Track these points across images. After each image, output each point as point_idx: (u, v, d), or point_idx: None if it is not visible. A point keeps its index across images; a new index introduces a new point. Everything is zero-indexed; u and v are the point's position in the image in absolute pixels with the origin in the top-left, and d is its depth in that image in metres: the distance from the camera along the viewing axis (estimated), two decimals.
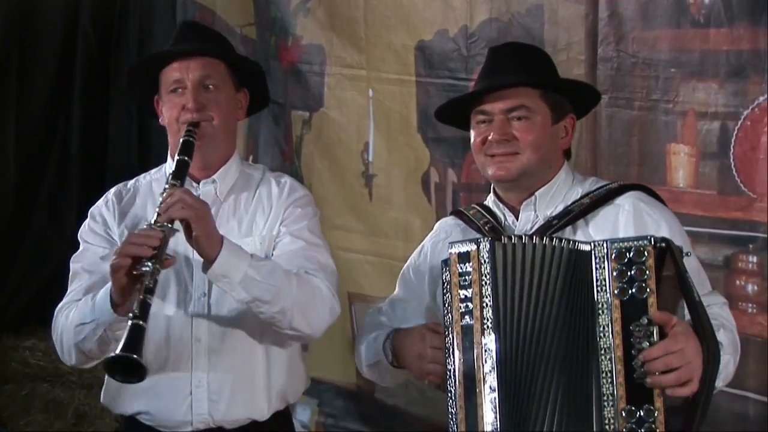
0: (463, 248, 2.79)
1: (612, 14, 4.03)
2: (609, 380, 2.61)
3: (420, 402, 4.97)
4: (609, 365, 2.61)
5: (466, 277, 2.77)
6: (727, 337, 2.75)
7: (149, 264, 2.90)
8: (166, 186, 3.09)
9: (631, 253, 2.61)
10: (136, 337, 2.82)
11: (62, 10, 7.19)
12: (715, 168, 3.77)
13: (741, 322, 3.65)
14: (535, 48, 3.27)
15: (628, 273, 2.61)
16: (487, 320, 2.72)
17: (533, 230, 2.96)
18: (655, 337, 2.58)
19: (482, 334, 2.72)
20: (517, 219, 3.02)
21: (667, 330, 2.58)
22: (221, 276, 3.05)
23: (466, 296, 2.76)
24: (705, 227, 3.74)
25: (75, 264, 3.35)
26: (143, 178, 3.48)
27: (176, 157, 3.18)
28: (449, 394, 2.75)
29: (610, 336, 2.62)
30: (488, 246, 2.75)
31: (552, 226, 2.92)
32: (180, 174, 3.14)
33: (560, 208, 2.98)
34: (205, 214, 3.04)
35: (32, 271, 7.02)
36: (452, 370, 2.74)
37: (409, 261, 3.28)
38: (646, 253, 2.60)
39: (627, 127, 3.99)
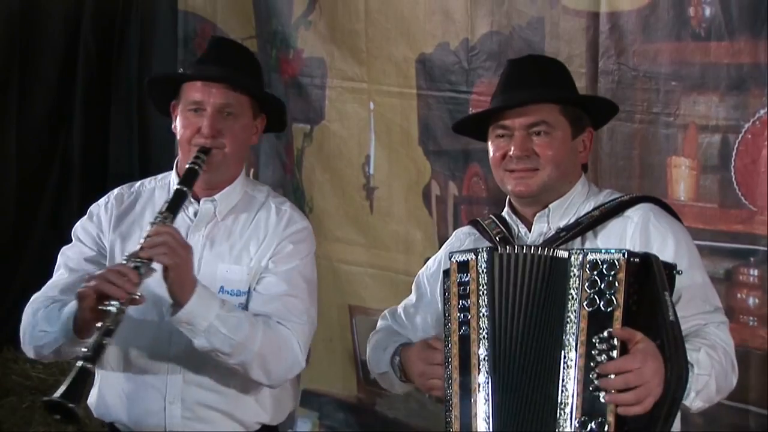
0: (462, 258, 2.82)
1: (613, 27, 4.03)
2: (567, 389, 2.61)
3: (420, 415, 4.97)
4: (570, 374, 2.61)
5: (465, 287, 2.79)
6: (710, 356, 2.71)
7: (116, 304, 2.91)
8: (159, 216, 3.09)
9: (604, 265, 2.61)
10: (80, 382, 2.82)
11: (63, 21, 7.20)
12: (716, 181, 3.78)
13: (742, 335, 3.66)
14: (553, 61, 3.24)
15: (598, 285, 2.60)
16: (483, 330, 2.74)
17: (543, 241, 2.96)
18: (616, 352, 2.57)
19: (478, 344, 2.73)
20: (530, 231, 3.02)
21: (629, 346, 2.57)
22: (185, 323, 3.05)
23: (464, 306, 2.78)
24: (706, 240, 3.74)
25: (61, 257, 3.38)
26: (148, 183, 3.48)
27: (176, 185, 3.18)
28: (447, 400, 2.77)
29: (575, 346, 2.61)
30: (486, 256, 2.77)
31: (560, 238, 2.92)
32: (174, 206, 3.13)
33: (573, 220, 2.98)
34: (185, 262, 3.03)
35: (33, 283, 6.97)
36: (449, 380, 2.76)
37: (423, 267, 3.30)
38: (617, 267, 2.59)
39: (628, 140, 3.99)
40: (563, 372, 2.62)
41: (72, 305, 3.08)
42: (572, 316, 2.63)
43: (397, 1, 4.93)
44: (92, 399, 3.40)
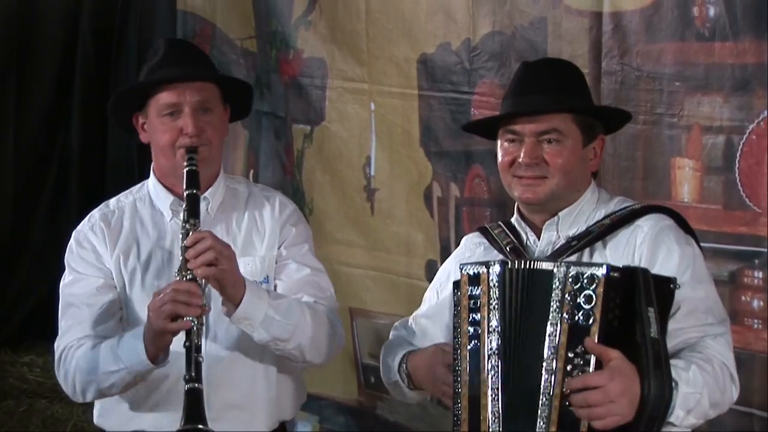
0: (473, 270, 2.81)
1: (616, 27, 4.04)
2: (546, 402, 2.63)
3: (422, 418, 4.97)
4: (549, 387, 2.62)
5: (476, 301, 2.78)
6: (703, 371, 2.69)
7: (194, 319, 2.97)
8: (185, 225, 3.10)
9: (584, 279, 2.61)
10: (196, 403, 2.89)
11: (61, 21, 7.20)
12: (720, 182, 3.78)
13: (746, 338, 3.66)
14: (569, 65, 3.19)
15: (578, 298, 2.61)
16: (493, 345, 2.74)
17: (553, 251, 2.95)
18: (591, 367, 2.58)
19: (488, 359, 2.74)
20: (539, 239, 3.00)
21: (603, 363, 2.57)
22: (244, 319, 3.10)
23: (474, 319, 2.78)
24: (709, 242, 3.74)
25: (69, 296, 3.33)
26: (125, 198, 3.45)
27: (185, 191, 3.17)
28: (455, 416, 2.77)
29: (556, 359, 2.63)
30: (498, 269, 2.77)
31: (571, 247, 2.91)
32: (195, 211, 3.14)
33: (583, 228, 2.96)
34: (234, 261, 3.09)
35: (31, 285, 7.02)
36: (458, 394, 2.77)
37: (435, 278, 3.30)
38: (596, 281, 2.59)
39: (631, 141, 3.99)
40: (543, 385, 2.64)
41: (131, 336, 3.12)
42: (554, 329, 2.65)
43: (398, 0, 4.93)
44: (101, 414, 3.41)
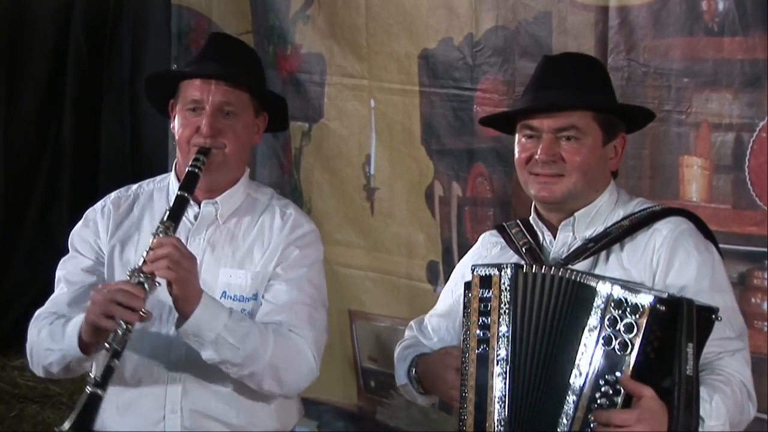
0: (485, 272, 2.80)
1: (623, 22, 4.03)
2: (567, 422, 2.61)
3: (423, 423, 4.97)
4: (571, 408, 2.61)
5: (487, 304, 2.78)
6: (725, 399, 2.68)
7: (123, 324, 2.93)
8: (160, 226, 3.08)
9: (628, 306, 2.58)
10: (90, 409, 2.87)
11: (53, 16, 7.20)
12: (729, 181, 3.77)
13: (756, 341, 3.65)
14: (591, 61, 3.19)
15: (618, 324, 2.58)
16: (502, 351, 2.73)
17: (569, 252, 2.93)
18: (619, 399, 2.56)
19: (496, 364, 2.73)
20: (555, 238, 2.99)
21: (634, 400, 2.55)
22: (191, 335, 3.06)
23: (484, 323, 2.77)
24: (719, 243, 3.74)
25: (60, 270, 3.37)
26: (146, 185, 3.46)
27: (177, 191, 3.17)
28: (461, 420, 2.77)
29: (584, 380, 2.60)
30: (510, 273, 2.76)
31: (588, 249, 2.89)
32: (176, 214, 3.13)
33: (600, 230, 2.94)
34: (190, 274, 3.04)
35: (21, 288, 7.01)
36: (465, 398, 2.76)
37: (452, 274, 3.28)
38: (641, 310, 2.56)
39: (638, 139, 3.98)
40: (567, 405, 2.62)
41: (76, 322, 3.10)
42: (587, 349, 2.62)
43: None
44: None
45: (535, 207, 3.05)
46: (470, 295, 2.81)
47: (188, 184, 3.18)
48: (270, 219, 3.36)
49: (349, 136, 5.28)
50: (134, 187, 3.47)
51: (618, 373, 2.56)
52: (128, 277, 3.02)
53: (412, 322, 3.31)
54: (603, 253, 2.89)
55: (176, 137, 3.30)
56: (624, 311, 2.57)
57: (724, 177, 3.79)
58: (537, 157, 2.92)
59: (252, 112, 3.31)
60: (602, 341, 2.59)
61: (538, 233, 3.02)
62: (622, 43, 4.04)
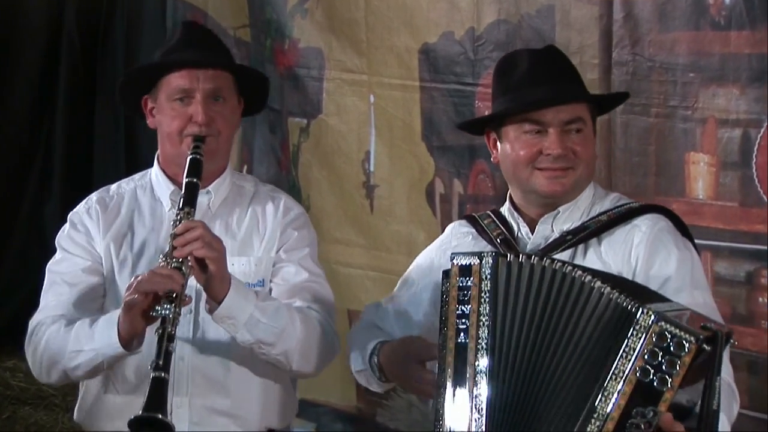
0: (466, 261, 2.80)
1: (627, 15, 4.04)
2: None
3: (423, 426, 4.97)
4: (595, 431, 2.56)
5: (466, 292, 2.76)
6: (726, 412, 2.70)
7: (169, 307, 2.96)
8: (179, 213, 3.12)
9: (673, 341, 2.50)
10: (159, 392, 2.89)
11: (46, 12, 7.21)
12: (736, 178, 3.78)
13: (762, 341, 3.66)
14: (562, 53, 3.22)
15: (659, 358, 2.51)
16: (483, 341, 2.72)
17: (546, 245, 2.96)
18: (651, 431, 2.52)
19: (476, 354, 2.73)
20: (532, 231, 3.02)
21: None
22: (226, 318, 3.10)
23: (463, 312, 2.76)
24: (725, 241, 3.75)
25: (53, 273, 3.36)
26: (126, 185, 3.48)
27: (185, 179, 3.19)
28: (437, 412, 2.76)
29: (611, 405, 2.55)
30: (491, 261, 2.76)
31: (566, 242, 2.93)
32: (192, 199, 3.16)
33: (578, 224, 2.98)
34: (223, 254, 3.09)
35: (13, 288, 7.02)
36: (443, 389, 2.75)
37: (414, 262, 3.31)
38: (686, 350, 2.49)
39: (643, 135, 4.00)
40: (590, 426, 2.56)
41: (107, 319, 3.12)
42: (619, 373, 2.56)
43: None
44: (81, 412, 3.42)
45: (511, 198, 3.08)
46: (449, 283, 2.79)
47: (194, 170, 3.21)
48: (262, 206, 3.42)
49: (348, 133, 5.29)
50: (113, 187, 3.49)
51: (652, 408, 2.50)
52: (162, 263, 3.04)
53: (369, 305, 3.36)
54: (581, 246, 2.93)
55: (164, 130, 3.31)
56: (666, 347, 2.50)
57: (731, 174, 3.79)
58: (550, 151, 2.94)
59: (236, 96, 3.37)
60: (639, 372, 2.52)
61: (513, 225, 3.06)
62: (627, 38, 4.04)
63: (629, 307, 2.58)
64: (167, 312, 2.96)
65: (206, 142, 3.25)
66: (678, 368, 2.49)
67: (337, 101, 5.32)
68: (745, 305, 3.68)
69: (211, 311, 3.11)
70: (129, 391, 3.29)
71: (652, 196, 3.86)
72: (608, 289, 2.63)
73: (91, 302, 3.30)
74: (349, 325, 5.29)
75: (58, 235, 3.43)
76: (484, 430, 2.68)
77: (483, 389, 2.70)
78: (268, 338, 3.15)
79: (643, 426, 2.52)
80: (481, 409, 2.70)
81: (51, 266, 3.39)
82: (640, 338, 2.54)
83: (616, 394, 2.55)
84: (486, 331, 2.72)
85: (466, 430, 2.70)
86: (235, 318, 3.10)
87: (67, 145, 7.30)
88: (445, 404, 2.74)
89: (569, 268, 2.71)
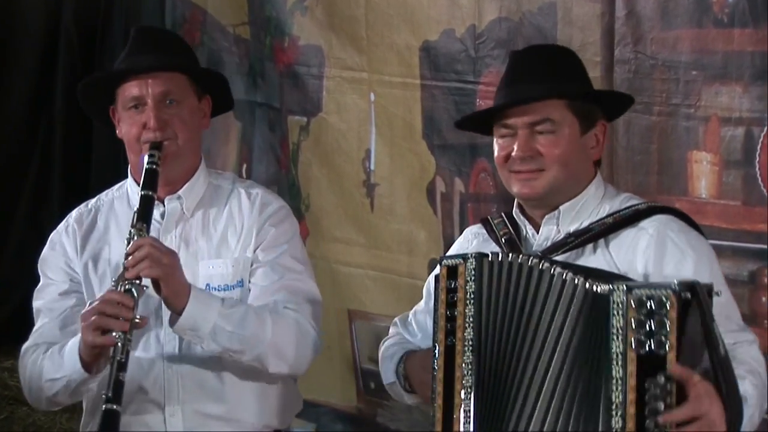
0: (452, 263, 2.82)
1: (630, 13, 4.04)
2: None
3: (424, 426, 4.95)
4: (620, 422, 2.56)
5: (453, 295, 2.79)
6: (753, 385, 2.69)
7: (121, 335, 2.97)
8: (132, 230, 3.12)
9: (653, 303, 2.53)
10: (110, 426, 2.92)
11: (43, 10, 7.20)
12: (739, 177, 3.77)
13: (765, 341, 3.65)
14: (560, 50, 3.24)
15: (648, 324, 2.53)
16: (468, 342, 2.75)
17: (548, 246, 2.96)
18: (672, 397, 2.52)
19: (462, 356, 2.75)
20: (538, 232, 3.01)
21: (687, 388, 2.52)
22: (188, 329, 3.10)
23: (451, 314, 2.78)
24: (729, 240, 3.74)
25: (36, 301, 3.40)
26: (105, 196, 3.49)
27: (140, 192, 3.19)
28: (432, 415, 2.79)
29: (624, 391, 2.56)
30: (475, 263, 2.78)
31: (567, 243, 2.91)
32: (145, 214, 3.16)
33: (585, 224, 2.96)
34: (174, 269, 3.08)
35: (10, 287, 7.02)
36: (434, 391, 2.78)
37: (435, 269, 3.31)
38: (668, 304, 2.52)
39: (645, 134, 3.99)
40: (612, 419, 2.57)
41: (72, 345, 3.14)
42: (618, 358, 2.58)
43: None
44: (84, 425, 3.43)
45: (518, 202, 3.08)
46: (439, 287, 2.82)
47: (149, 182, 3.20)
48: (237, 203, 3.39)
49: (348, 131, 5.29)
50: (92, 201, 3.50)
51: (662, 373, 2.52)
52: (114, 287, 3.05)
53: (396, 319, 3.34)
54: (589, 248, 2.91)
55: (125, 139, 3.32)
56: (650, 310, 2.54)
57: (734, 173, 3.78)
58: (514, 154, 2.94)
59: (194, 96, 3.35)
60: (634, 347, 2.55)
61: (521, 226, 3.05)
62: (629, 35, 4.04)
63: (600, 290, 2.64)
64: (118, 340, 2.98)
65: (164, 147, 3.24)
66: (668, 325, 2.52)
67: (337, 99, 5.32)
68: (748, 305, 3.67)
69: (171, 323, 3.11)
70: (133, 389, 3.27)
71: (654, 195, 3.85)
72: (580, 279, 2.68)
73: (72, 324, 3.28)
74: (349, 325, 5.30)
75: (40, 258, 3.45)
76: (472, 430, 2.71)
77: (469, 390, 2.72)
78: (236, 346, 3.13)
79: (661, 393, 2.52)
80: (469, 410, 2.72)
81: (35, 294, 3.42)
82: (621, 315, 2.58)
83: (624, 378, 2.56)
84: (471, 332, 2.75)
85: (456, 430, 2.72)
86: (198, 329, 3.09)
87: (65, 144, 7.30)
88: (436, 408, 2.77)
89: (545, 264, 2.74)
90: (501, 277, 2.76)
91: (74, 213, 3.47)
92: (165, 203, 3.34)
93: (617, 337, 2.58)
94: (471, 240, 3.19)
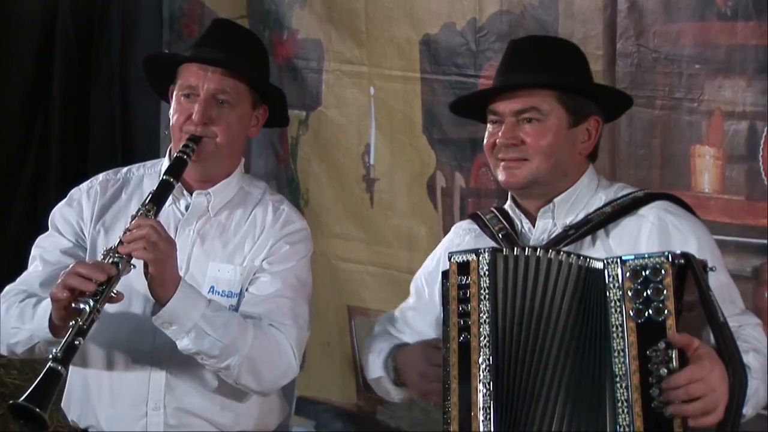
0: (462, 259, 2.82)
1: (632, 6, 4.04)
2: (625, 409, 2.61)
3: (424, 424, 4.98)
4: (625, 393, 2.60)
5: (466, 291, 2.79)
6: (757, 360, 2.72)
7: (90, 302, 2.93)
8: (142, 208, 3.11)
9: (647, 271, 2.60)
10: (48, 386, 2.85)
11: (40, 4, 7.19)
12: (742, 172, 3.78)
13: None
14: (561, 42, 3.26)
15: (644, 293, 2.60)
16: (485, 337, 2.74)
17: (549, 240, 2.97)
18: (675, 362, 2.57)
19: (479, 352, 2.74)
20: (534, 226, 3.03)
21: (688, 353, 2.57)
22: (167, 323, 3.06)
23: (464, 310, 2.79)
24: (732, 235, 3.75)
25: (36, 247, 3.39)
26: (136, 170, 3.48)
27: (163, 176, 3.20)
28: (444, 413, 2.78)
29: (626, 362, 2.61)
30: (488, 257, 2.78)
31: (568, 236, 2.93)
32: (159, 198, 3.15)
33: (581, 216, 2.99)
34: (167, 257, 3.05)
35: (7, 281, 7.02)
36: (448, 389, 2.77)
37: (422, 267, 3.32)
38: (663, 271, 2.59)
39: (648, 128, 4.00)
40: (617, 391, 2.61)
41: (47, 302, 3.09)
42: (618, 329, 2.63)
43: None
44: (66, 402, 3.42)
45: (511, 195, 3.10)
46: (448, 283, 2.83)
47: (175, 169, 3.20)
48: (263, 213, 3.38)
49: (347, 125, 5.29)
50: (123, 170, 3.49)
51: (663, 340, 2.57)
52: (103, 257, 3.03)
53: (382, 317, 3.35)
54: (588, 239, 2.93)
55: (171, 122, 3.31)
56: (645, 279, 2.60)
57: (738, 167, 3.79)
58: (498, 141, 2.97)
59: (249, 103, 3.33)
60: (632, 316, 2.60)
61: (516, 221, 3.07)
62: (632, 28, 4.04)
63: (594, 265, 2.69)
64: (86, 306, 2.92)
65: (202, 143, 3.23)
66: (665, 292, 2.58)
67: (336, 93, 5.32)
68: (751, 300, 3.67)
69: (153, 313, 3.07)
70: (110, 386, 3.29)
71: (657, 189, 3.82)
72: (575, 259, 2.73)
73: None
74: (348, 322, 5.30)
75: (53, 209, 3.44)
76: (492, 428, 2.70)
77: (489, 387, 2.71)
78: (212, 351, 3.09)
79: (664, 359, 2.57)
80: (489, 407, 2.71)
81: (38, 240, 3.42)
82: (617, 287, 2.64)
83: (626, 349, 2.61)
84: (487, 328, 2.74)
85: (475, 428, 2.72)
86: (177, 325, 3.05)
87: (62, 140, 7.28)
88: (451, 405, 2.76)
89: (557, 255, 2.76)
90: (517, 271, 2.78)
91: (101, 177, 3.46)
92: (193, 196, 3.33)
93: (615, 310, 2.63)
94: (463, 236, 3.20)
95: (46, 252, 3.36)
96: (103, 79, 7.15)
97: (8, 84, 7.19)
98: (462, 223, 3.28)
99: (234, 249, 3.33)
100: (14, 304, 3.24)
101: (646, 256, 2.63)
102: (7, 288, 3.33)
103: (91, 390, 3.32)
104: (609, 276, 2.65)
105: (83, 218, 3.38)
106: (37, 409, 2.81)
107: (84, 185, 3.44)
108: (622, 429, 2.60)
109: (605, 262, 2.67)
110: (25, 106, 7.29)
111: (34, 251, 3.39)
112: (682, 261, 2.61)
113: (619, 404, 2.61)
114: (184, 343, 3.08)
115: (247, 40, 3.45)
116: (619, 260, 2.65)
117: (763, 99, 3.69)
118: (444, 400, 2.78)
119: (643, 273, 2.60)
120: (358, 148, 5.25)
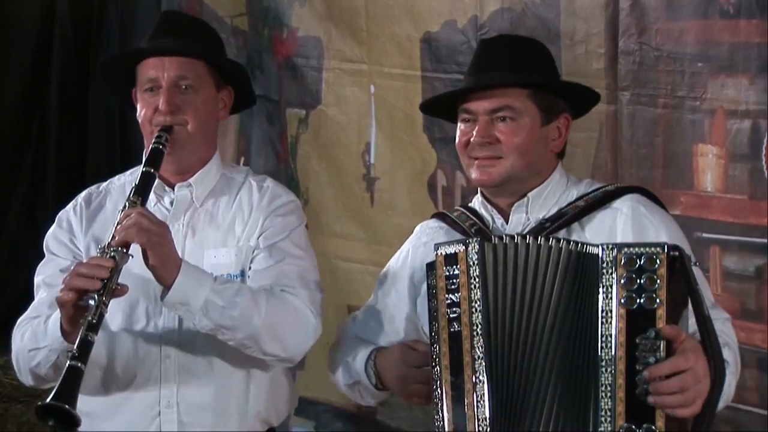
0: (451, 249, 2.83)
1: (634, 4, 4.04)
2: (608, 395, 2.63)
3: (424, 424, 4.96)
4: (609, 378, 2.63)
5: (454, 281, 2.80)
6: (730, 356, 2.77)
7: (95, 297, 2.94)
8: (126, 202, 3.12)
9: (642, 261, 2.63)
10: (71, 383, 2.87)
11: (38, 2, 7.20)
12: (745, 170, 3.78)
13: None
14: (530, 41, 3.28)
15: (638, 281, 2.62)
16: (477, 326, 2.76)
17: (525, 232, 2.98)
18: (662, 352, 2.59)
19: (471, 341, 2.75)
20: (507, 222, 3.05)
21: (675, 345, 2.60)
22: (179, 304, 3.08)
23: (453, 301, 2.79)
24: (735, 235, 3.75)
25: (38, 276, 3.39)
26: (117, 180, 3.50)
27: (142, 168, 3.20)
28: (435, 405, 2.79)
29: (613, 347, 2.63)
30: (477, 246, 2.79)
31: (544, 229, 2.95)
32: (143, 189, 3.16)
33: (554, 210, 3.02)
34: (162, 238, 3.06)
35: (5, 283, 7.02)
36: (439, 381, 2.78)
37: (386, 266, 3.33)
38: (658, 262, 2.61)
39: (650, 127, 4.00)
40: (601, 376, 2.64)
41: (56, 315, 3.11)
42: (608, 315, 2.65)
43: None
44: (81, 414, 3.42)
45: (481, 192, 3.12)
46: (435, 276, 2.83)
47: (153, 160, 3.21)
48: (248, 194, 3.40)
49: (348, 124, 5.29)
50: (104, 183, 3.50)
51: (652, 329, 2.60)
52: (99, 254, 3.05)
53: (342, 323, 3.38)
54: (563, 232, 2.94)
55: (140, 123, 3.33)
56: (640, 267, 2.62)
57: (740, 166, 3.80)
58: (472, 140, 3.00)
59: (212, 85, 3.35)
60: (624, 303, 2.63)
61: (486, 216, 3.09)
62: (634, 26, 4.04)
63: (589, 251, 2.72)
64: (92, 302, 2.94)
65: (174, 132, 3.24)
66: (658, 282, 2.61)
67: (336, 91, 5.32)
68: (754, 300, 3.68)
69: (162, 297, 3.09)
70: (122, 389, 3.30)
71: (659, 188, 3.85)
72: (565, 244, 2.75)
73: None
74: None
75: (46, 236, 3.44)
76: (487, 415, 2.72)
77: (483, 375, 2.73)
78: (228, 322, 3.09)
79: (651, 347, 2.60)
80: (483, 395, 2.73)
81: (38, 269, 3.41)
82: (611, 273, 2.66)
83: (614, 335, 2.64)
84: (479, 317, 2.76)
85: (470, 418, 2.73)
86: (189, 303, 3.06)
87: (59, 137, 7.30)
88: (444, 395, 2.77)
89: (541, 239, 2.78)
90: (506, 258, 2.79)
91: (84, 193, 3.48)
92: (175, 191, 3.35)
93: (606, 295, 2.66)
94: (431, 234, 3.21)
95: (48, 277, 3.36)
96: (102, 81, 7.14)
97: (6, 83, 7.21)
98: (428, 222, 3.29)
99: (226, 232, 3.35)
100: (27, 330, 3.25)
101: (641, 245, 2.66)
102: (20, 319, 3.33)
103: (96, 392, 3.32)
104: (604, 262, 2.67)
105: (74, 234, 3.39)
106: (66, 406, 2.82)
107: (69, 206, 3.45)
108: (603, 413, 2.63)
109: (601, 247, 2.69)
110: (23, 104, 7.31)
111: (37, 279, 3.39)
112: (676, 253, 2.64)
113: (603, 388, 2.64)
114: (199, 321, 3.09)
115: (198, 26, 3.50)
116: (615, 247, 2.67)
117: (766, 97, 3.69)
118: (434, 391, 2.79)
119: (638, 261, 2.63)
120: (358, 146, 5.25)
